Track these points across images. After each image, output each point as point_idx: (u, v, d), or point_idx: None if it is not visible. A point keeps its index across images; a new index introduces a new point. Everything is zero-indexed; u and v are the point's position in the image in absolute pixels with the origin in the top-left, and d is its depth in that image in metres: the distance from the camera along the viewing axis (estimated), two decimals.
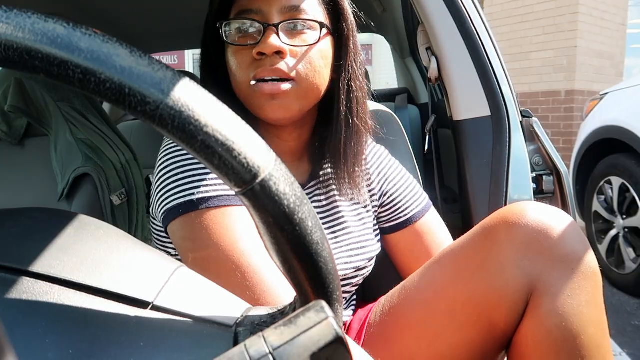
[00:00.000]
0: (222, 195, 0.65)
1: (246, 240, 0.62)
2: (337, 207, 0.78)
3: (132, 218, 1.38)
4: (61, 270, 0.32)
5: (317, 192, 0.78)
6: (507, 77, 0.93)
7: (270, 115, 0.67)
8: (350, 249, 0.77)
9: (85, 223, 0.37)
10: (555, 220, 0.65)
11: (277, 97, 0.65)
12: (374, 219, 0.82)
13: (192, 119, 0.25)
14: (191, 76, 2.17)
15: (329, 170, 0.77)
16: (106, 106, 1.87)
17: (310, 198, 0.77)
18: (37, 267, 0.32)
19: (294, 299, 0.34)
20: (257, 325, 0.32)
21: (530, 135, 0.93)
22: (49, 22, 0.24)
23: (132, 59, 0.25)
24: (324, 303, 0.27)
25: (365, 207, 0.81)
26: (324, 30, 0.69)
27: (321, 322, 0.25)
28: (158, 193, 0.68)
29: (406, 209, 0.83)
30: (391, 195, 0.82)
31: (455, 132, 0.96)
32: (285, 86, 0.65)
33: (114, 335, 0.30)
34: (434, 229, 0.84)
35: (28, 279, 0.32)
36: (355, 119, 0.73)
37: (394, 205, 0.82)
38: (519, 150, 0.90)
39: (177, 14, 1.66)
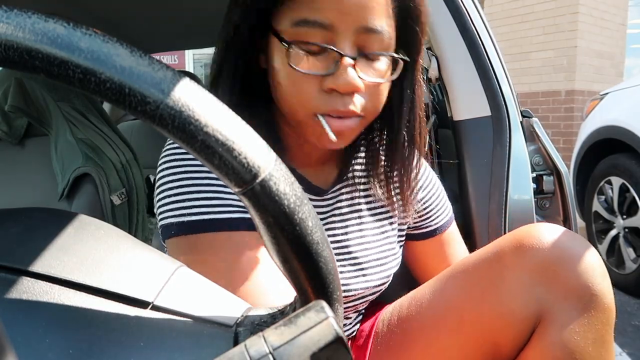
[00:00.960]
0: (220, 219, 0.59)
1: (239, 274, 0.57)
2: (360, 216, 0.74)
3: (132, 218, 1.38)
4: (61, 270, 0.32)
5: (341, 197, 0.73)
6: (507, 77, 0.93)
7: (327, 145, 0.60)
8: (371, 266, 0.73)
9: (86, 223, 0.37)
10: (574, 247, 0.61)
11: (342, 134, 0.59)
12: (398, 233, 0.79)
13: (192, 119, 0.25)
14: (191, 76, 2.17)
15: (361, 176, 0.73)
16: (106, 106, 1.87)
17: (333, 202, 0.73)
18: (37, 267, 0.32)
19: (294, 299, 0.34)
20: (257, 325, 0.32)
21: (531, 135, 0.93)
22: (49, 22, 0.24)
23: (132, 59, 0.25)
24: (324, 303, 0.27)
25: (390, 219, 0.77)
26: (401, 63, 0.60)
27: (321, 322, 0.25)
28: (156, 204, 0.62)
29: (436, 217, 0.80)
30: (425, 202, 0.79)
31: (455, 132, 0.96)
32: (353, 122, 0.59)
33: (114, 335, 0.30)
34: (457, 239, 0.83)
35: (28, 278, 0.32)
36: (405, 133, 0.68)
37: (426, 214, 0.79)
38: (519, 150, 0.90)
39: (178, 14, 1.66)
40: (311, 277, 0.30)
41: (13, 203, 1.26)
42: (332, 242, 0.71)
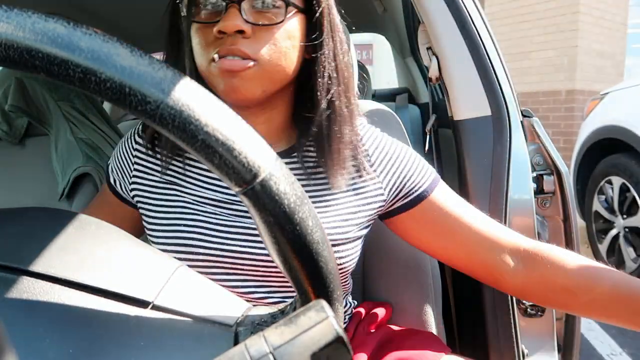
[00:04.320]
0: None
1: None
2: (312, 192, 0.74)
3: None
4: (62, 269, 0.32)
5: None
6: (507, 77, 0.93)
7: (230, 94, 0.63)
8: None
9: (86, 222, 0.37)
10: None
11: (236, 75, 0.62)
12: (357, 217, 0.75)
13: (192, 119, 0.25)
14: None
15: (311, 155, 0.73)
16: (107, 105, 1.87)
17: None
18: (38, 266, 0.32)
19: (294, 299, 0.34)
20: (257, 325, 0.32)
21: (531, 135, 0.93)
22: (50, 22, 0.24)
23: (132, 59, 0.25)
24: (324, 302, 0.27)
25: (337, 200, 0.74)
26: (291, 9, 0.64)
27: (321, 322, 0.25)
28: None
29: (416, 184, 0.76)
30: (399, 176, 0.76)
31: (455, 132, 0.96)
32: (246, 63, 0.62)
33: (114, 334, 0.30)
34: (450, 200, 0.78)
35: (28, 278, 0.32)
36: (335, 101, 0.69)
37: (403, 185, 0.76)
38: (520, 149, 0.89)
39: None
40: (311, 277, 0.30)
41: (13, 203, 1.26)
42: None
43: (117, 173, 0.77)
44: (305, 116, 0.71)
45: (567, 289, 0.69)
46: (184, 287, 0.34)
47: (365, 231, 0.77)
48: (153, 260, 0.35)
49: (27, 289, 0.31)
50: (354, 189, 0.75)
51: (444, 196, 0.78)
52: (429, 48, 1.00)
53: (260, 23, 0.63)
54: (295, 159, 0.73)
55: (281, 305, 0.35)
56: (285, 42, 0.65)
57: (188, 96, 0.25)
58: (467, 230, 0.75)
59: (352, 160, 0.73)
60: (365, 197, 0.75)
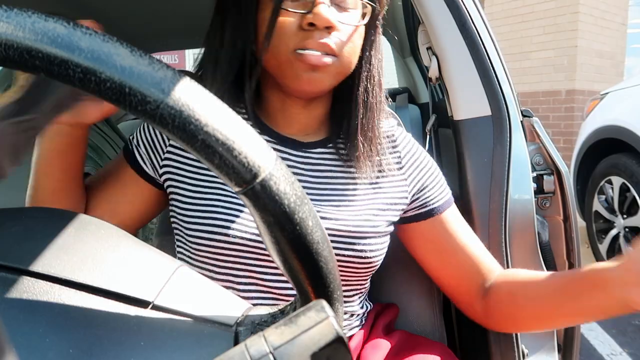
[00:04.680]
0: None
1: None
2: (336, 183, 0.75)
3: None
4: (62, 269, 0.32)
5: (322, 162, 0.76)
6: (507, 77, 0.93)
7: (305, 86, 0.65)
8: (340, 235, 0.72)
9: (86, 222, 0.37)
10: None
11: (318, 69, 0.64)
12: (386, 213, 0.77)
13: (192, 118, 0.25)
14: (192, 76, 2.16)
15: (345, 146, 0.76)
16: None
17: (312, 162, 0.75)
18: (38, 266, 0.32)
19: (294, 299, 0.34)
20: (257, 325, 0.32)
21: (531, 135, 0.93)
22: (49, 22, 0.24)
23: (132, 59, 0.25)
24: (324, 302, 0.27)
25: (373, 193, 0.77)
26: (368, 9, 0.67)
27: (322, 322, 0.25)
28: None
29: (434, 198, 0.79)
30: (423, 183, 0.79)
31: (455, 132, 0.96)
32: (328, 60, 0.64)
33: (114, 334, 0.30)
34: (458, 222, 0.80)
35: (28, 278, 0.32)
36: (369, 96, 0.72)
37: (423, 194, 0.79)
38: (520, 149, 0.89)
39: (178, 13, 1.66)
40: (311, 277, 0.30)
41: (13, 203, 1.26)
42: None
43: (146, 150, 0.73)
44: (342, 109, 0.74)
45: (516, 304, 0.73)
46: (184, 287, 0.34)
47: (392, 228, 0.79)
48: (153, 260, 0.35)
49: (27, 289, 0.31)
50: (383, 186, 0.77)
51: (454, 218, 0.80)
52: (429, 48, 1.00)
53: (346, 21, 0.65)
54: (331, 149, 0.76)
55: (281, 305, 0.35)
56: (358, 41, 0.68)
57: (188, 96, 0.25)
58: (465, 256, 0.78)
59: (383, 157, 0.76)
60: (393, 196, 0.77)
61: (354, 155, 0.74)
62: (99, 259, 0.34)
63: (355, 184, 0.76)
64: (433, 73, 0.97)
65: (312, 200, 0.72)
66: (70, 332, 0.30)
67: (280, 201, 0.27)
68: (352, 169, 0.76)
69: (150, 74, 0.25)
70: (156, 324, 0.31)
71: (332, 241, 0.71)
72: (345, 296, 0.78)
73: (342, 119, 0.74)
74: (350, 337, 0.79)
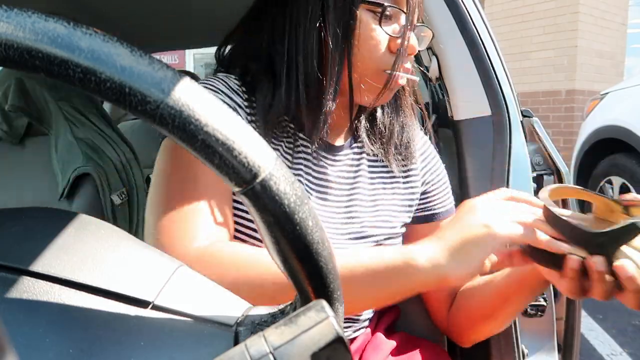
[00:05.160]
0: None
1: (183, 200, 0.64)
2: (361, 181, 0.77)
3: (132, 217, 1.38)
4: (62, 269, 0.32)
5: (347, 161, 0.77)
6: (507, 77, 0.93)
7: (381, 102, 0.71)
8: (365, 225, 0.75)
9: (86, 222, 0.37)
10: None
11: (394, 89, 0.70)
12: (405, 207, 0.81)
13: (192, 119, 0.25)
14: (192, 76, 2.17)
15: (375, 144, 0.79)
16: (107, 105, 1.87)
17: (340, 163, 0.77)
18: (38, 266, 0.32)
19: (294, 299, 0.34)
20: (257, 325, 0.32)
21: (531, 135, 0.93)
22: (50, 22, 0.24)
23: (132, 59, 0.25)
24: (324, 302, 0.27)
25: (395, 189, 0.80)
26: (428, 34, 0.74)
27: (322, 322, 0.25)
28: None
29: (437, 203, 0.82)
30: (430, 185, 0.82)
31: (455, 132, 0.96)
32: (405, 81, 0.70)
33: (114, 334, 0.30)
34: None
35: (28, 278, 0.32)
36: (400, 97, 0.78)
37: (428, 197, 0.82)
38: (520, 149, 0.89)
39: (178, 13, 1.66)
40: (311, 277, 0.30)
41: (13, 203, 1.26)
42: (335, 202, 0.74)
43: None
44: (375, 108, 0.78)
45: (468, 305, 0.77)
46: (184, 287, 0.34)
47: (404, 230, 0.81)
48: (153, 260, 0.35)
49: (27, 289, 0.31)
50: (399, 187, 0.80)
51: None
52: (429, 48, 1.00)
53: (421, 49, 0.74)
54: (355, 149, 0.78)
55: (281, 305, 0.35)
56: None
57: (188, 96, 0.25)
58: None
59: (408, 160, 0.79)
60: (407, 198, 0.80)
61: (385, 154, 0.77)
62: (99, 259, 0.34)
63: (374, 184, 0.78)
64: (433, 73, 0.97)
65: (342, 203, 0.75)
66: (70, 332, 0.30)
67: (280, 201, 0.27)
68: (373, 169, 0.78)
69: (150, 74, 0.25)
70: (156, 324, 0.31)
71: (355, 244, 0.73)
72: None
73: (374, 116, 0.78)
74: (354, 339, 0.79)
